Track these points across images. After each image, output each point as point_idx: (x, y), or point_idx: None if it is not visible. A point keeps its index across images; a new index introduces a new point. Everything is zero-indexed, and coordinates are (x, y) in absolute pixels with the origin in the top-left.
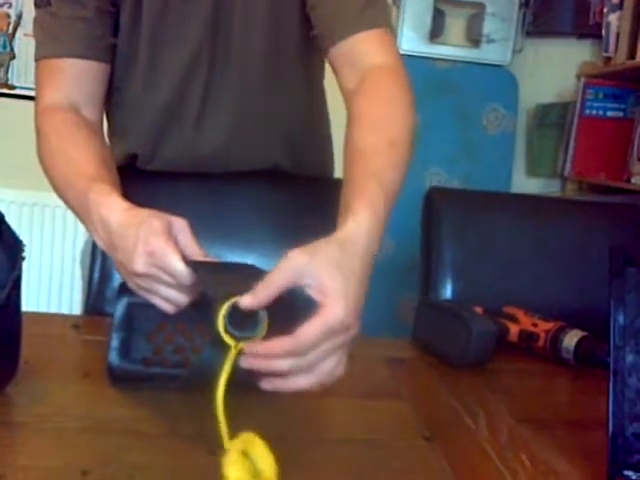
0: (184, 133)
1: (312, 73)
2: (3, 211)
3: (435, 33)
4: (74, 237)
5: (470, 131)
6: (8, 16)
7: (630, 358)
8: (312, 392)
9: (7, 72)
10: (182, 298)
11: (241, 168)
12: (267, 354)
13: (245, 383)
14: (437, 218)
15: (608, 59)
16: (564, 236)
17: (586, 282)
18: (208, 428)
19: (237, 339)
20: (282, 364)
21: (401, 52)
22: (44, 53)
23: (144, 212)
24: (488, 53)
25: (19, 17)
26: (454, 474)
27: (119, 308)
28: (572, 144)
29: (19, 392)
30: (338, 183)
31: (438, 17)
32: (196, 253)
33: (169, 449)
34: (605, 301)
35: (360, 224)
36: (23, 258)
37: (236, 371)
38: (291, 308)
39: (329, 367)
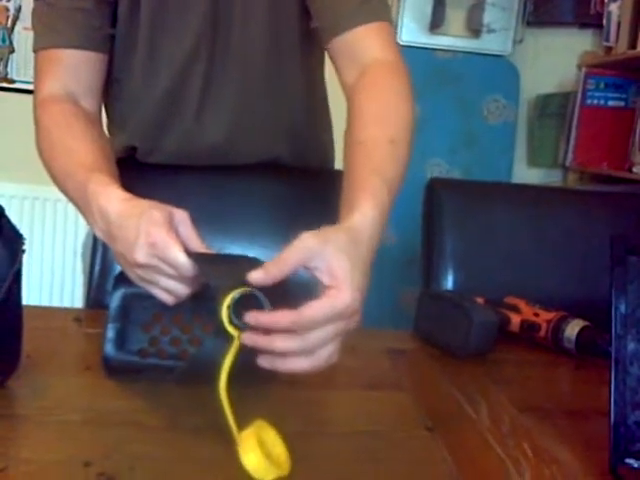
0: (184, 126)
1: (312, 65)
2: (4, 205)
3: (435, 23)
4: (75, 231)
5: (471, 121)
6: (7, 10)
7: (632, 347)
8: (309, 381)
9: (6, 66)
10: (183, 289)
11: (241, 161)
12: (270, 325)
13: (248, 373)
14: (438, 209)
15: (609, 49)
16: (565, 226)
17: (587, 272)
18: (209, 420)
19: (241, 330)
20: (283, 344)
21: (401, 43)
22: (42, 44)
23: (144, 203)
24: (489, 43)
25: (18, 11)
26: (456, 464)
27: (115, 299)
28: (573, 134)
29: (21, 385)
30: (339, 174)
31: (438, 7)
32: (197, 245)
33: (170, 441)
34: (606, 290)
35: (365, 216)
36: (23, 252)
37: (239, 362)
38: (293, 301)
39: (328, 353)
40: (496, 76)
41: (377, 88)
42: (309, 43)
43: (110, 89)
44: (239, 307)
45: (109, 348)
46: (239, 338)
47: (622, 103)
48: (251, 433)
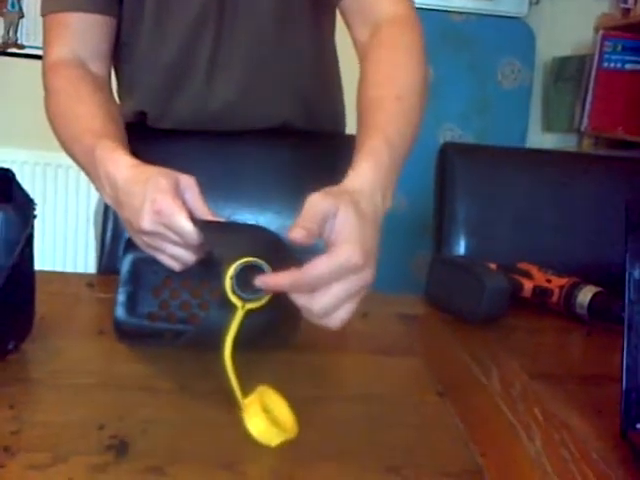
0: (193, 91)
1: (322, 29)
2: (16, 171)
3: None
4: (87, 197)
5: (485, 86)
6: None
7: None
8: (320, 346)
9: (16, 32)
10: (189, 256)
11: (252, 126)
12: (276, 287)
13: (252, 343)
14: (451, 174)
15: (627, 11)
16: (580, 191)
17: (601, 237)
18: (220, 384)
19: (244, 300)
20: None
21: (415, 5)
22: (50, 8)
23: (151, 169)
24: (504, 5)
25: None
26: (467, 429)
27: (125, 264)
28: (589, 98)
29: (34, 349)
30: (350, 139)
31: None
32: (204, 211)
33: (182, 404)
34: (620, 256)
35: (362, 176)
36: (35, 217)
37: (243, 331)
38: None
39: (343, 314)
40: (511, 39)
41: (387, 47)
42: (319, 6)
43: (119, 52)
44: (244, 277)
45: (120, 312)
46: (243, 308)
47: (639, 66)
48: (255, 399)
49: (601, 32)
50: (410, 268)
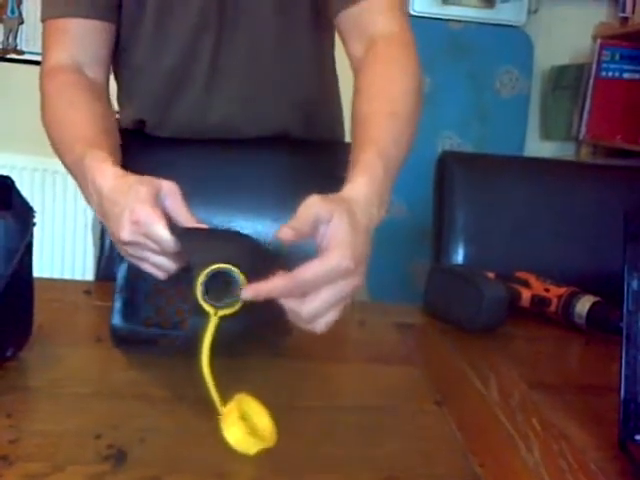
0: (193, 98)
1: (322, 38)
2: (14, 178)
3: None
4: (86, 204)
5: (483, 94)
6: None
7: None
8: (318, 354)
9: (16, 37)
10: (170, 264)
11: (251, 134)
12: (266, 294)
13: (234, 347)
14: (449, 182)
15: (625, 19)
16: (578, 200)
17: (600, 247)
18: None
19: (215, 307)
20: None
21: (414, 14)
22: (49, 14)
23: (132, 178)
24: (503, 13)
25: None
26: (465, 439)
27: (121, 270)
28: (587, 107)
29: (32, 357)
30: (348, 146)
31: None
32: (186, 217)
33: (179, 413)
34: (619, 266)
35: (356, 189)
36: (34, 224)
37: (222, 336)
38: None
39: (327, 321)
40: (510, 47)
41: (382, 63)
42: (319, 15)
43: (118, 58)
44: (217, 284)
45: (116, 319)
46: (215, 315)
47: (637, 75)
48: (233, 407)
49: (599, 41)
50: (408, 276)
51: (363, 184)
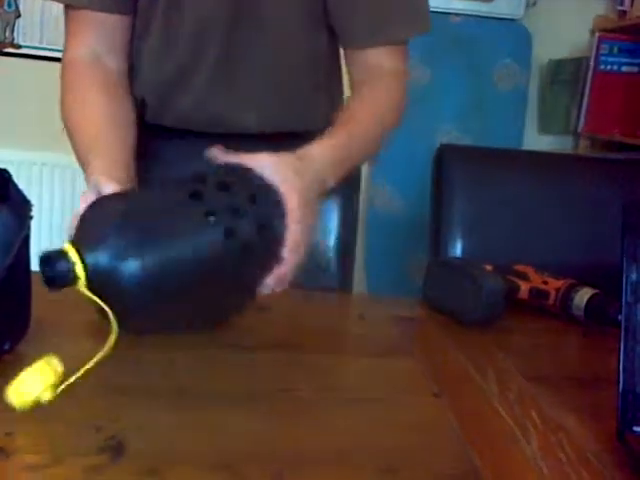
0: (197, 89)
1: (329, 37)
2: (12, 172)
3: None
4: None
5: (481, 87)
6: None
7: None
8: (317, 347)
9: (13, 31)
10: None
11: (252, 130)
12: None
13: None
14: (447, 175)
15: (623, 13)
16: (576, 193)
17: (598, 240)
18: (216, 385)
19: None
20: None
21: None
22: (72, 1)
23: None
24: (501, 7)
25: None
26: (463, 431)
27: None
28: (585, 100)
29: (30, 351)
30: None
31: None
32: None
33: (178, 406)
34: (617, 259)
35: (315, 151)
36: (31, 217)
37: None
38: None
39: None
40: (508, 41)
41: (373, 99)
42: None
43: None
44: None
45: None
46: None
47: (635, 69)
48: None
49: (597, 34)
50: (407, 269)
51: (323, 148)
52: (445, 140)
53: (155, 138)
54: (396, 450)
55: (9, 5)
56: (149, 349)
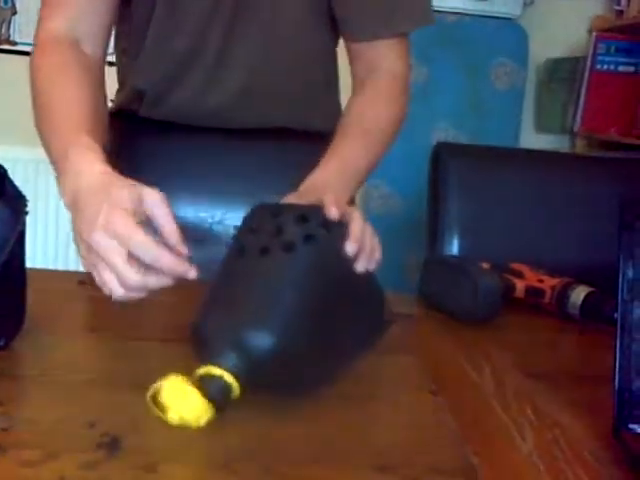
0: (195, 83)
1: (330, 34)
2: (8, 168)
3: None
4: None
5: (478, 86)
6: None
7: (638, 312)
8: None
9: (9, 28)
10: (134, 275)
11: (249, 125)
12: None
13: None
14: (444, 174)
15: (620, 13)
16: (572, 192)
17: (594, 238)
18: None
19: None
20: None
21: None
22: None
23: (116, 179)
24: (498, 5)
25: None
26: (460, 428)
27: None
28: (582, 99)
29: (25, 347)
30: None
31: None
32: (171, 230)
33: None
34: (613, 257)
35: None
36: (26, 213)
37: None
38: None
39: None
40: (505, 40)
41: (375, 101)
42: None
43: (131, 34)
44: None
45: None
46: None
47: (632, 69)
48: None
49: (594, 34)
50: (404, 267)
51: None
52: (442, 138)
53: (149, 133)
54: (393, 447)
55: (5, 2)
56: (145, 344)
